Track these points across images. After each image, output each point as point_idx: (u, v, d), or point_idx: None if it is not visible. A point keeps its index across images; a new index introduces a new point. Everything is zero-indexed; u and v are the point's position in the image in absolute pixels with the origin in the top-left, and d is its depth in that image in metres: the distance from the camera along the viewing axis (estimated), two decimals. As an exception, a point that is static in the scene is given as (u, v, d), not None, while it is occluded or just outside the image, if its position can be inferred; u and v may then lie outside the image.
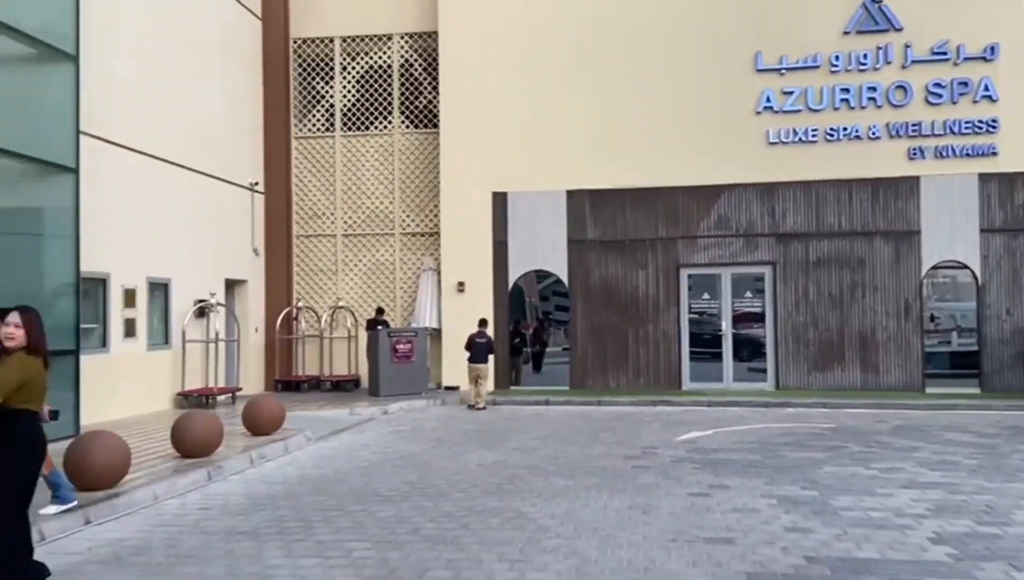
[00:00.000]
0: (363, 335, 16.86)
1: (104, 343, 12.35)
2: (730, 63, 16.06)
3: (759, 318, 16.14)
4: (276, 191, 17.57)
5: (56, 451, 9.07)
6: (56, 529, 6.15)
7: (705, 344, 16.28)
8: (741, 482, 7.94)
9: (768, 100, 15.92)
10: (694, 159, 16.07)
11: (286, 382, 17.13)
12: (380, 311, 16.84)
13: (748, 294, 16.23)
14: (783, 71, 15.95)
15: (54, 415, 5.90)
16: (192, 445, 8.75)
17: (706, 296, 16.29)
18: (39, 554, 5.63)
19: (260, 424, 10.39)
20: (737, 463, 8.93)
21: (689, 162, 16.09)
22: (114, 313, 12.58)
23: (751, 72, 16.02)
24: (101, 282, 12.25)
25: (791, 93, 15.89)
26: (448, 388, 16.34)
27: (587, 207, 16.49)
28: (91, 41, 11.59)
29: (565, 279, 16.59)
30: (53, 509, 6.42)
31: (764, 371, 16.01)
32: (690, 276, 16.30)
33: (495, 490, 7.70)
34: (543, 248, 16.59)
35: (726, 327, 16.15)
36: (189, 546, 5.92)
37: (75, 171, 10.74)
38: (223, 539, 6.09)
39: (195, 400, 14.08)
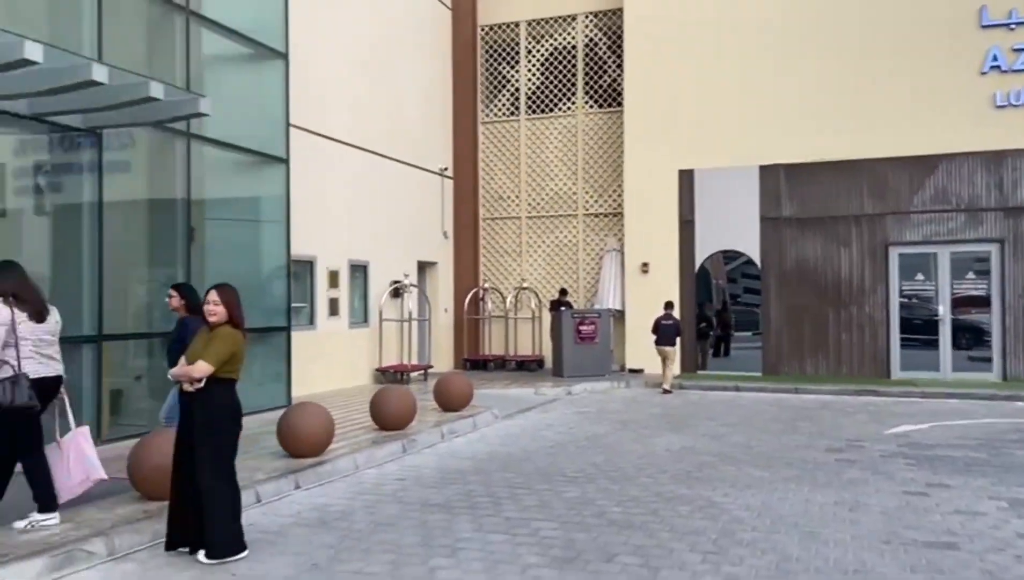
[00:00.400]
0: (547, 316, 16.99)
1: (311, 321, 13.27)
2: (950, 19, 14.47)
3: (982, 302, 14.52)
4: (464, 175, 18.06)
5: (270, 420, 9.84)
6: (271, 492, 6.64)
7: (917, 330, 14.90)
8: (963, 481, 7.14)
9: (995, 59, 14.20)
10: (906, 127, 14.67)
11: (473, 361, 17.65)
12: (563, 292, 16.87)
13: (970, 275, 14.64)
14: (1012, 26, 14.15)
15: None
16: (388, 418, 9.17)
17: (919, 277, 14.88)
18: (256, 514, 6.12)
19: (450, 400, 10.72)
20: (958, 461, 8.05)
21: (900, 130, 14.70)
22: (320, 293, 13.48)
23: (975, 29, 14.35)
24: (308, 264, 13.15)
25: (1022, 51, 14.07)
26: (632, 371, 16.11)
27: (782, 182, 15.56)
28: (297, 38, 12.40)
29: (757, 259, 15.79)
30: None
31: (989, 360, 14.40)
32: (900, 255, 14.95)
33: (684, 477, 7.44)
34: (733, 227, 15.87)
35: (943, 311, 14.68)
36: (386, 514, 6.17)
37: (286, 162, 11.56)
38: (417, 510, 6.30)
39: (391, 376, 14.82)
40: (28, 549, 4.87)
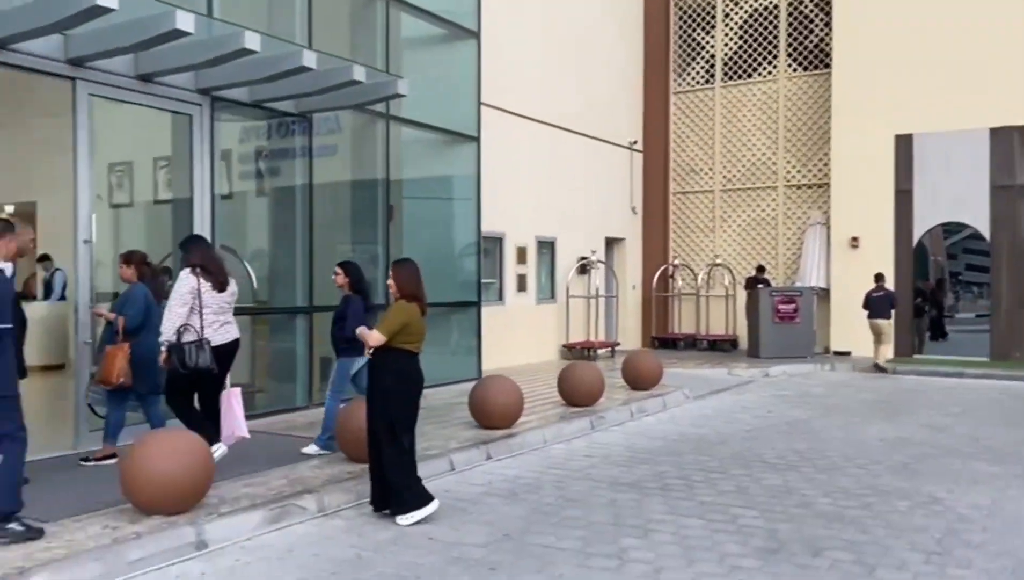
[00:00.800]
0: (742, 294, 16.22)
1: (500, 297, 13.50)
2: None
3: None
4: (654, 148, 17.59)
5: (462, 392, 10.11)
6: (463, 461, 6.78)
7: None
8: None
9: None
10: None
11: (662, 339, 17.25)
12: (760, 269, 16.01)
13: None
14: None
15: None
16: (576, 394, 9.11)
17: None
18: (451, 482, 6.26)
19: (639, 379, 10.49)
20: None
21: None
22: (508, 269, 13.68)
23: None
24: (497, 241, 13.36)
25: None
26: (838, 353, 15.02)
27: (1016, 146, 13.77)
28: (489, 16, 12.54)
29: (985, 232, 14.13)
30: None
31: None
32: None
33: (900, 469, 6.76)
34: (957, 197, 14.28)
35: None
36: (575, 491, 6.10)
37: (477, 140, 11.76)
38: (607, 488, 6.18)
39: (577, 352, 14.80)
40: (248, 502, 5.27)
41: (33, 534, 4.51)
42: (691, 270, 17.49)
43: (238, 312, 6.30)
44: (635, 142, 17.28)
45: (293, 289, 9.20)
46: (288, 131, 9.21)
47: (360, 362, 6.72)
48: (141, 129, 9.60)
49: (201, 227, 7.84)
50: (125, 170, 11.16)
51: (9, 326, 4.52)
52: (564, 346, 14.94)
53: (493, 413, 7.72)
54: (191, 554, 4.62)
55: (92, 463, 6.19)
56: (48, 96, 7.39)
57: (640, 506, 5.69)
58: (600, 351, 14.97)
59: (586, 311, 15.54)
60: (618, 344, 15.81)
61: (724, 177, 17.33)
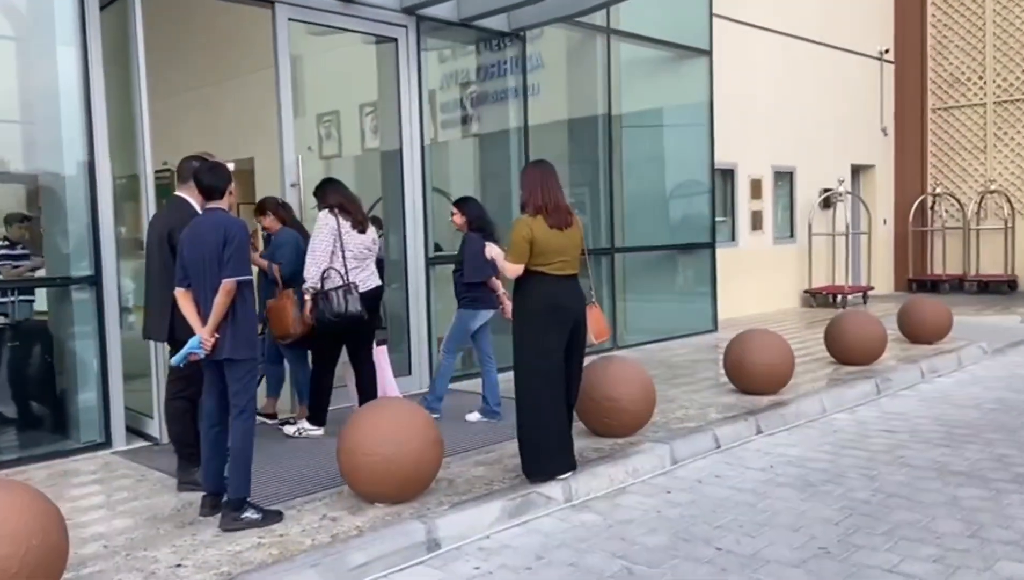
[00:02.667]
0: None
1: (733, 237, 11.88)
2: None
3: None
4: (908, 57, 14.87)
5: (699, 346, 8.74)
6: (729, 436, 5.48)
7: None
8: None
9: None
10: None
11: (920, 281, 14.78)
12: (1056, 194, 13.04)
13: None
14: None
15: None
16: (851, 351, 7.47)
17: None
18: (720, 464, 5.00)
19: (921, 330, 8.60)
20: None
21: None
22: (741, 205, 11.99)
23: None
24: (729, 173, 11.70)
25: None
26: None
27: None
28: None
29: None
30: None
31: None
32: None
33: None
34: None
35: None
36: (893, 482, 4.62)
37: (709, 54, 10.14)
38: (935, 478, 4.65)
39: (823, 299, 12.89)
40: (483, 488, 4.33)
41: (273, 519, 3.88)
42: (956, 200, 14.74)
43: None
44: (886, 51, 14.66)
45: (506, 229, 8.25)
46: (499, 49, 8.16)
47: (484, 316, 5.77)
48: (347, 73, 9.02)
49: (411, 170, 7.03)
50: (333, 120, 10.75)
51: (250, 277, 3.92)
52: (806, 292, 13.06)
53: (756, 375, 6.33)
54: (422, 556, 3.74)
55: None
56: (263, 48, 6.78)
57: (999, 508, 4.14)
58: (850, 297, 12.92)
59: (830, 251, 13.48)
60: (871, 289, 13.62)
61: (999, 87, 14.31)
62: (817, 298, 12.93)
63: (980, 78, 14.50)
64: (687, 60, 10.07)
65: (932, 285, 14.64)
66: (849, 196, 13.56)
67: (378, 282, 5.54)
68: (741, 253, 11.86)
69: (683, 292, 10.58)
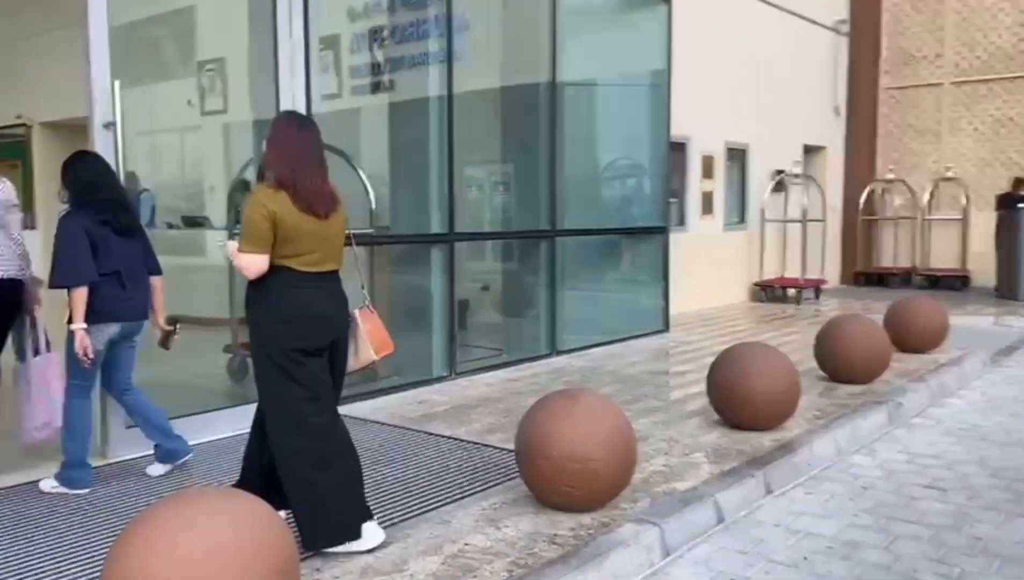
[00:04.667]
0: (982, 217, 12.48)
1: (682, 221, 10.41)
2: None
3: None
4: (863, 30, 13.71)
5: (649, 350, 7.26)
6: (735, 503, 3.88)
7: None
8: None
9: None
10: None
11: (867, 274, 13.76)
12: (1020, 182, 12.10)
13: None
14: None
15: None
16: (849, 365, 6.04)
17: None
18: (726, 549, 3.37)
19: (914, 336, 7.27)
20: None
21: None
22: (692, 185, 10.53)
23: None
24: (680, 148, 10.18)
25: None
26: None
27: None
28: None
29: None
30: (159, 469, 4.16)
31: None
32: None
33: None
34: None
35: None
36: (991, 590, 3.12)
37: (668, 1, 8.54)
38: (1047, 583, 3.18)
39: (772, 292, 11.62)
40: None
41: None
42: (908, 186, 13.72)
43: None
44: (843, 22, 13.45)
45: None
46: (421, 19, 6.48)
47: (109, 331, 3.88)
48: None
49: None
50: (217, 70, 8.73)
51: None
52: (756, 284, 11.75)
53: (757, 406, 4.75)
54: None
55: None
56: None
57: None
58: (804, 292, 11.68)
59: (782, 240, 12.21)
60: (825, 282, 12.42)
61: (958, 66, 13.32)
62: (767, 291, 11.65)
63: (938, 56, 13.48)
64: (643, 10, 8.46)
65: (879, 278, 13.63)
66: (804, 180, 12.29)
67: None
68: (691, 239, 10.39)
69: (631, 283, 9.06)
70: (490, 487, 3.89)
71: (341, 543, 3.08)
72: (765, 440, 4.67)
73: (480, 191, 8.04)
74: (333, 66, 7.48)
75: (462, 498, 3.75)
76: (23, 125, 9.42)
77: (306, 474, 3.05)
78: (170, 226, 6.33)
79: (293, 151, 3.08)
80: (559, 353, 7.31)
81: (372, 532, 3.13)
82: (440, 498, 3.75)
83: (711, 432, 4.86)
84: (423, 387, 6.07)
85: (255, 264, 3.01)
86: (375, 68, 7.46)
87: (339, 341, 3.23)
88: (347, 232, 3.28)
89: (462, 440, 4.70)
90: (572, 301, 7.75)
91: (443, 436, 4.80)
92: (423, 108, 6.57)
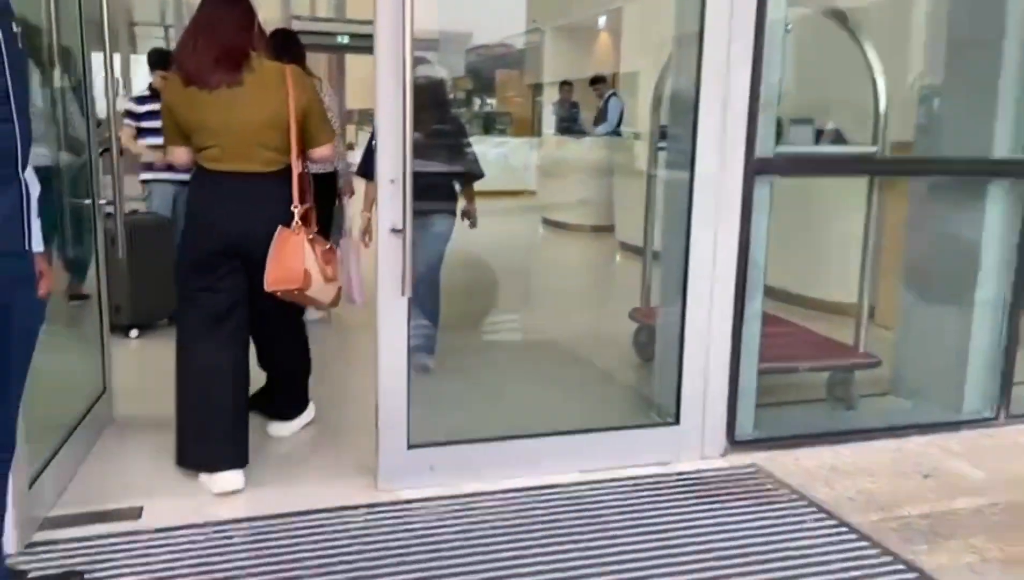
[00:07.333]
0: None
1: None
2: None
3: None
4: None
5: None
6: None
7: None
8: None
9: None
10: None
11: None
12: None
13: None
14: None
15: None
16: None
17: None
18: None
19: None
20: None
21: None
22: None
23: None
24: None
25: None
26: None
27: None
28: None
29: None
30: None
31: None
32: None
33: None
34: None
35: None
36: None
37: None
38: None
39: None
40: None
41: None
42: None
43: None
44: None
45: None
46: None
47: None
48: None
49: None
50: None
51: None
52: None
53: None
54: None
55: None
56: None
57: None
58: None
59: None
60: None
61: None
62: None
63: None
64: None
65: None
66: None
67: None
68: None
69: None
70: None
71: (194, 468, 2.76)
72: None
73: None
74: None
75: None
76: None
77: (185, 391, 2.76)
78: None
79: (192, 26, 2.66)
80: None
81: (229, 479, 2.69)
82: None
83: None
84: (935, 434, 3.26)
85: (171, 156, 2.77)
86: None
87: (249, 259, 2.66)
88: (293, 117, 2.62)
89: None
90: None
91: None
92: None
